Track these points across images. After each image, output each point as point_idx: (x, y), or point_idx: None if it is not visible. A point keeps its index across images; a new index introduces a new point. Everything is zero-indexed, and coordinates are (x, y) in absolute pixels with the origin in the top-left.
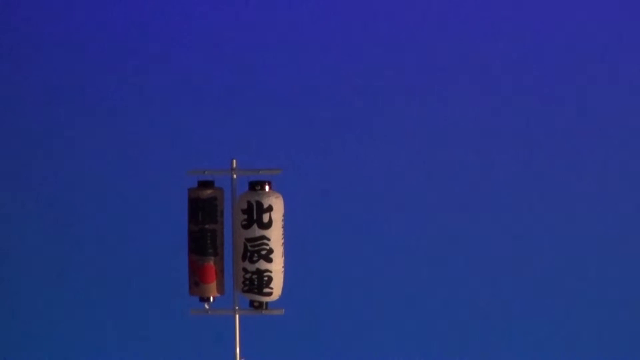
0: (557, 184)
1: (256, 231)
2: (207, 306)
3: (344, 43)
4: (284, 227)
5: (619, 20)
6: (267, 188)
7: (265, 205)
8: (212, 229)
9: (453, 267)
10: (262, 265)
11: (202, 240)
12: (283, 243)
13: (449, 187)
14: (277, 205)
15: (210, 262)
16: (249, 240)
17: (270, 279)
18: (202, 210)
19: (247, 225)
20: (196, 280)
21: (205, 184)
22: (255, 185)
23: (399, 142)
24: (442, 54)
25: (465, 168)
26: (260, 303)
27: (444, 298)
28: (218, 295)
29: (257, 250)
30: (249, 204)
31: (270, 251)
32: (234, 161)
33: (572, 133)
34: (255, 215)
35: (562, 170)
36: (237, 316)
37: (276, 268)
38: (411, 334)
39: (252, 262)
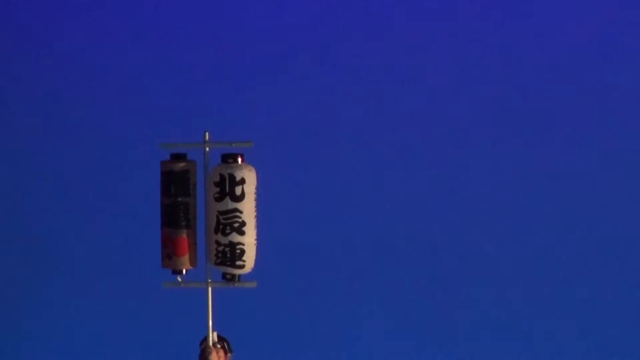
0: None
1: (229, 204)
2: (179, 279)
3: (326, 18)
4: (257, 199)
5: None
6: (239, 161)
7: (238, 178)
8: (184, 202)
9: (433, 244)
10: (235, 238)
11: (174, 213)
12: (256, 216)
13: (428, 165)
14: (249, 178)
15: (183, 235)
16: (221, 213)
17: (242, 251)
18: (175, 183)
19: (219, 198)
20: (169, 253)
21: (178, 157)
22: (228, 158)
23: (377, 117)
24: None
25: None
26: (233, 276)
27: (424, 273)
28: (191, 268)
29: (230, 223)
30: (222, 176)
31: (243, 224)
32: (207, 134)
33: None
34: (228, 188)
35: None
36: (209, 289)
37: (249, 241)
38: (386, 306)
39: (225, 234)
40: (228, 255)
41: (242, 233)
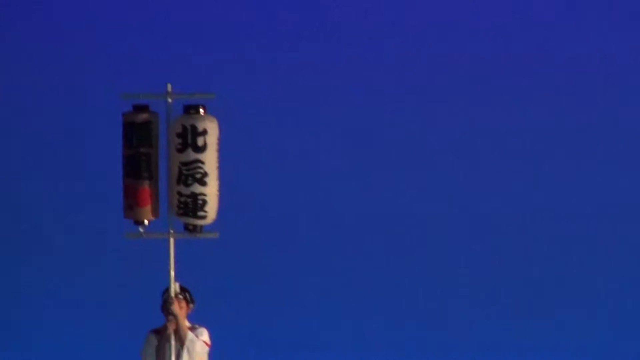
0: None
1: (191, 155)
2: (141, 230)
3: None
4: (219, 150)
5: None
6: (201, 112)
7: (200, 129)
8: (146, 153)
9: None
10: (197, 188)
11: (136, 165)
12: (218, 167)
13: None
14: (211, 129)
15: (145, 186)
16: (183, 164)
17: (204, 202)
18: (137, 134)
19: (181, 149)
20: (131, 203)
21: (140, 108)
22: (190, 109)
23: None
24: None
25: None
26: (195, 226)
27: (385, 224)
28: (153, 218)
29: (192, 174)
30: (184, 127)
31: (205, 175)
32: (169, 85)
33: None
34: (190, 139)
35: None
36: (171, 239)
37: (211, 191)
38: (344, 258)
39: (187, 185)
40: (190, 206)
41: (204, 184)
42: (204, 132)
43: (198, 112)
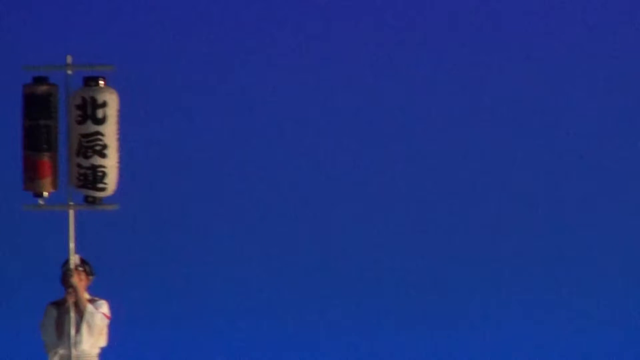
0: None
1: (90, 127)
2: (41, 201)
3: None
4: (119, 123)
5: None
6: (101, 84)
7: (100, 101)
8: (46, 125)
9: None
10: (97, 160)
11: (36, 136)
12: (118, 139)
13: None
14: (111, 101)
15: (45, 158)
16: (83, 136)
17: (104, 174)
18: (37, 106)
19: (81, 121)
20: (30, 175)
21: (39, 80)
22: (90, 81)
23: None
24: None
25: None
26: (95, 198)
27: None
28: (52, 190)
29: (92, 146)
30: (84, 99)
31: (105, 147)
32: (69, 57)
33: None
34: (90, 111)
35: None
36: (71, 212)
37: (110, 164)
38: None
39: (87, 157)
40: (90, 177)
41: (104, 156)
42: (104, 105)
43: (98, 84)
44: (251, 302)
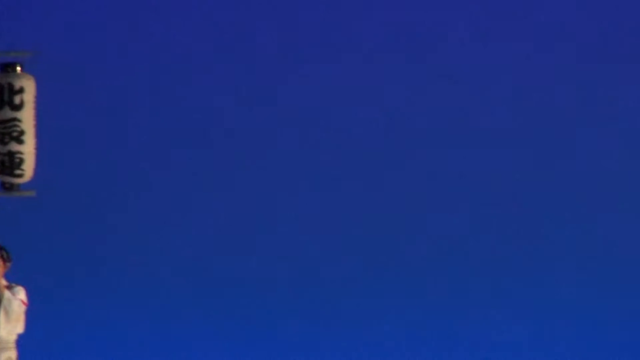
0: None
1: (7, 113)
2: None
3: None
4: (36, 109)
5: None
6: (18, 70)
7: (17, 87)
8: None
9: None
10: (14, 147)
11: None
12: (35, 125)
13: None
14: (29, 87)
15: None
16: (0, 122)
17: (22, 160)
18: None
19: None
20: None
21: None
22: (7, 67)
23: None
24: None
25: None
26: (12, 184)
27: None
28: None
29: (9, 132)
30: (1, 85)
31: (22, 133)
32: None
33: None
34: (7, 96)
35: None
36: None
37: (28, 150)
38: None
39: (4, 144)
40: (7, 164)
41: (21, 142)
42: (21, 90)
43: (15, 70)
44: (165, 289)
